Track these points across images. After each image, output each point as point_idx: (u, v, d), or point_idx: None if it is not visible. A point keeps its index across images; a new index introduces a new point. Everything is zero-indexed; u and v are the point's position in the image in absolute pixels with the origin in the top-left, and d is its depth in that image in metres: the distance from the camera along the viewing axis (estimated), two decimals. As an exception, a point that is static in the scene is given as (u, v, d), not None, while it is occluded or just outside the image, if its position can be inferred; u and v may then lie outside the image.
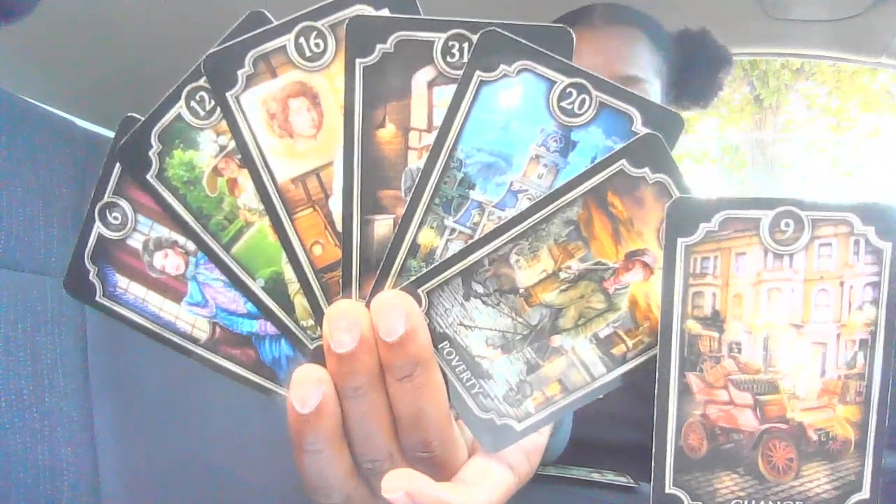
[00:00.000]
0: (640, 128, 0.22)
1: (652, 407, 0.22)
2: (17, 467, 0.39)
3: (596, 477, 0.51)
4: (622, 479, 0.51)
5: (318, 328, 0.24)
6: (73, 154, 0.48)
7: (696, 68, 0.76)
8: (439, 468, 0.23)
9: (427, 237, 0.23)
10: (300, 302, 0.24)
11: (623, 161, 0.22)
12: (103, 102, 1.32)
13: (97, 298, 0.25)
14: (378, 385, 0.21)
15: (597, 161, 0.22)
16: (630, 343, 0.23)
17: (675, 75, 0.75)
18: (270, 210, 0.24)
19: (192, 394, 0.48)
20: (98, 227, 0.25)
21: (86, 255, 0.25)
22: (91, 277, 0.25)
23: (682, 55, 0.75)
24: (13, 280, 0.42)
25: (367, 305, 0.21)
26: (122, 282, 0.25)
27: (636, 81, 0.68)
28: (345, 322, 0.21)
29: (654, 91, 0.71)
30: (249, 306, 0.24)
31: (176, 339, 0.25)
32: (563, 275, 0.23)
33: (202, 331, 0.25)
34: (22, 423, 0.39)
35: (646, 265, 0.22)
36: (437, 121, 0.22)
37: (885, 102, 6.22)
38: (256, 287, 0.24)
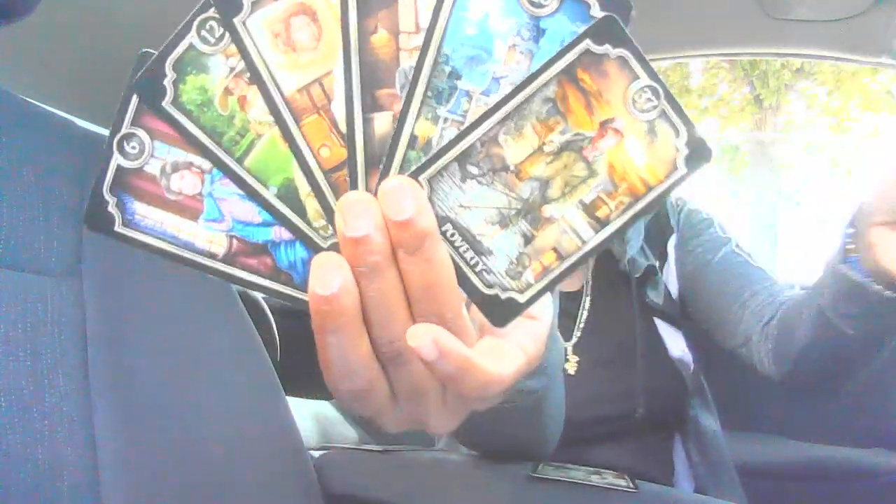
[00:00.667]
0: (597, 12, 0.25)
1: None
2: (17, 467, 0.39)
3: (595, 479, 0.51)
4: (621, 482, 0.51)
5: (330, 227, 0.26)
6: (73, 154, 0.48)
7: None
8: None
9: (423, 128, 0.25)
10: (312, 205, 0.26)
11: (587, 41, 0.25)
12: (103, 102, 1.32)
13: (116, 229, 0.26)
14: (391, 263, 0.24)
15: (565, 44, 0.25)
16: (612, 204, 0.26)
17: None
18: (279, 119, 0.26)
19: (191, 394, 0.48)
20: (116, 159, 0.26)
21: (104, 188, 0.26)
22: (110, 209, 0.26)
23: None
24: (13, 280, 0.42)
25: (375, 196, 0.24)
26: (140, 209, 0.26)
27: None
28: (357, 208, 0.23)
29: None
30: (264, 215, 0.26)
31: (195, 257, 0.26)
32: (546, 148, 0.25)
33: (220, 245, 0.26)
34: (22, 423, 0.39)
35: (616, 131, 0.25)
36: (424, 23, 0.25)
37: (885, 102, 6.22)
38: (270, 195, 0.26)
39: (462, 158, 0.25)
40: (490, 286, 0.26)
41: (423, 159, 0.25)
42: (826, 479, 1.11)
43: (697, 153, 0.25)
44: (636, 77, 0.25)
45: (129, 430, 0.44)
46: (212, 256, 0.26)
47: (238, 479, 0.48)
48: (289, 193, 0.26)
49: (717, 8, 1.07)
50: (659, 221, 0.91)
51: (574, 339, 0.83)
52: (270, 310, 1.79)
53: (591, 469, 0.53)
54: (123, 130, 0.27)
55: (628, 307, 0.84)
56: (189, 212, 0.26)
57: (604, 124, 0.25)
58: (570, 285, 0.87)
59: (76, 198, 0.47)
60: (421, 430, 0.29)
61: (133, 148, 0.26)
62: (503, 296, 0.26)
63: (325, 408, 1.37)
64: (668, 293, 0.87)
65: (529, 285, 0.26)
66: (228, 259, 0.26)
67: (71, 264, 0.45)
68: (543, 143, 0.25)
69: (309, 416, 1.31)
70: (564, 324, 0.83)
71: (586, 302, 0.86)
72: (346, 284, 0.23)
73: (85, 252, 0.46)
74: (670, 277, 0.89)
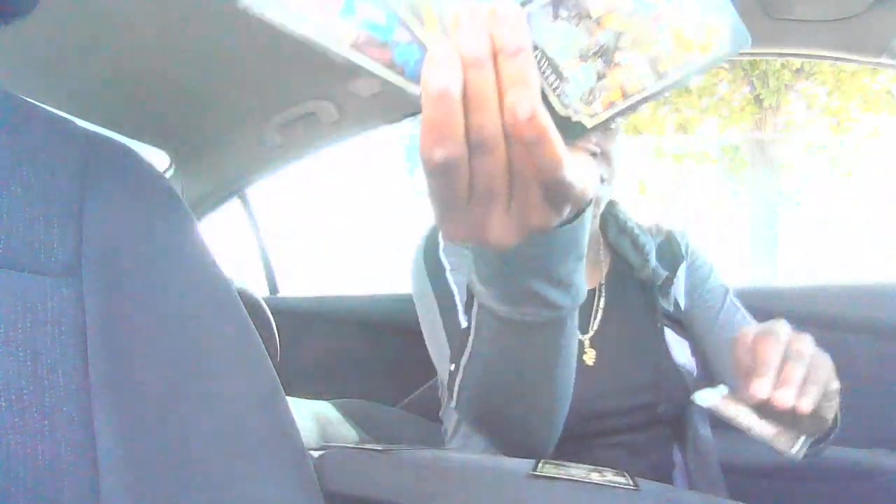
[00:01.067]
0: None
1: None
2: (18, 467, 0.39)
3: (595, 477, 0.51)
4: (621, 480, 0.51)
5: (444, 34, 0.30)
6: (73, 154, 0.48)
7: None
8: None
9: None
10: (430, 15, 0.30)
11: None
12: (103, 102, 1.32)
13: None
14: (491, 62, 0.29)
15: None
16: (669, 62, 0.31)
17: None
18: None
19: (191, 394, 0.48)
20: None
21: None
22: None
23: None
24: (13, 280, 0.42)
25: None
26: None
27: None
28: (475, 20, 0.29)
29: None
30: (389, 18, 0.29)
31: (327, 41, 0.29)
32: (622, 8, 0.30)
33: (349, 36, 0.29)
34: (22, 423, 0.40)
35: (678, 11, 0.30)
36: None
37: (885, 102, 6.22)
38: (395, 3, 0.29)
39: (556, 2, 0.30)
40: (566, 107, 0.32)
41: None
42: (825, 480, 1.11)
43: (739, 37, 0.31)
44: None
45: (129, 430, 0.44)
46: (341, 43, 0.29)
47: (238, 479, 0.48)
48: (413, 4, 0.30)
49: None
50: (671, 247, 0.95)
51: (591, 332, 0.86)
52: (270, 310, 1.79)
53: (591, 467, 0.53)
54: None
55: (641, 310, 0.88)
56: (329, 4, 0.29)
57: (671, 1, 0.30)
58: (591, 281, 0.90)
59: (76, 198, 0.47)
60: (482, 240, 0.34)
61: None
62: (574, 118, 0.32)
63: (325, 408, 1.37)
64: (677, 304, 0.91)
65: (596, 113, 0.32)
66: (357, 46, 0.29)
67: (71, 264, 0.45)
68: (620, 3, 0.30)
69: (309, 416, 1.31)
70: (580, 316, 0.85)
71: (601, 301, 0.88)
72: (453, 65, 0.28)
73: (85, 252, 0.46)
74: (679, 292, 0.93)
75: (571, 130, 0.31)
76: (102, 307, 0.46)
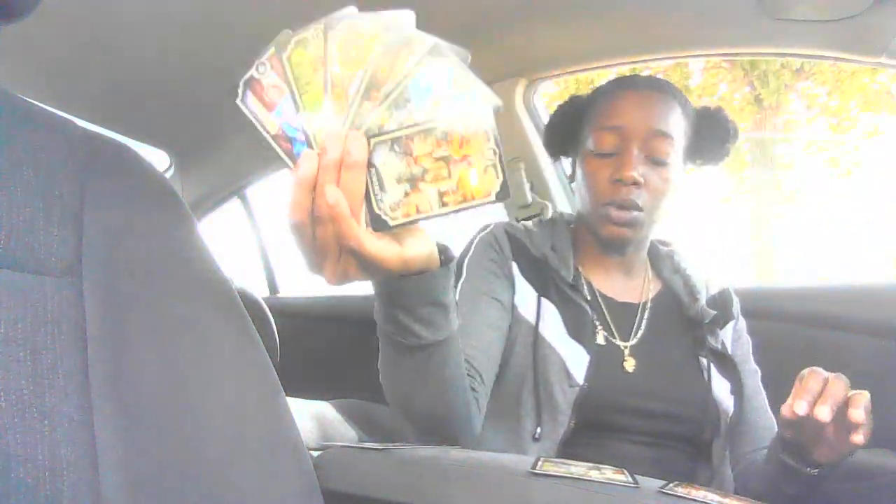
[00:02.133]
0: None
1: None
2: (17, 467, 0.39)
3: (595, 475, 0.51)
4: (621, 478, 0.51)
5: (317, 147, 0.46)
6: (73, 154, 0.48)
7: (709, 138, 0.95)
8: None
9: (382, 118, 0.45)
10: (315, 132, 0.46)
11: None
12: (103, 102, 1.32)
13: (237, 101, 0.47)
14: (336, 168, 0.45)
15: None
16: (452, 198, 0.46)
17: (694, 140, 0.93)
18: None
19: (191, 394, 0.48)
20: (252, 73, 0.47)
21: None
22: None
23: (701, 126, 0.94)
24: (13, 280, 0.42)
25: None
26: (250, 100, 0.47)
27: (666, 136, 0.87)
28: (335, 139, 0.45)
29: (678, 148, 0.89)
30: (297, 127, 0.46)
31: (261, 126, 0.47)
32: (434, 153, 0.45)
33: (274, 127, 0.47)
34: (22, 423, 0.40)
35: (469, 162, 0.45)
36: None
37: (885, 102, 6.22)
38: (304, 120, 0.46)
39: (392, 140, 0.45)
40: (380, 209, 0.46)
41: (375, 133, 0.45)
42: (825, 480, 1.11)
43: (503, 193, 0.45)
44: (490, 139, 0.44)
45: (129, 430, 0.44)
46: (269, 130, 0.46)
47: (238, 479, 0.48)
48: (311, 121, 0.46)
49: (717, 8, 1.07)
50: (725, 302, 0.99)
51: (633, 342, 0.89)
52: (270, 310, 1.79)
53: (591, 465, 0.53)
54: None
55: (686, 340, 0.92)
56: (272, 106, 0.46)
57: (465, 155, 0.45)
58: (634, 297, 0.95)
59: (76, 198, 0.47)
60: (324, 278, 0.49)
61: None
62: (383, 217, 0.46)
63: (325, 408, 1.37)
64: (724, 345, 0.94)
65: (396, 219, 0.46)
66: (275, 136, 0.46)
67: (71, 264, 0.46)
68: (432, 151, 0.45)
69: (309, 416, 1.31)
70: (624, 326, 0.91)
71: (645, 314, 0.93)
72: (313, 165, 0.45)
73: (85, 252, 0.46)
74: (727, 338, 0.96)
75: (380, 224, 0.46)
76: (102, 307, 0.46)
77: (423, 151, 0.45)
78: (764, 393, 0.96)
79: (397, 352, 0.61)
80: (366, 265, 0.48)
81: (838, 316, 1.24)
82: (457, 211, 0.45)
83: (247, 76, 0.47)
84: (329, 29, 0.45)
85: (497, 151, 0.44)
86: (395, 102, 0.45)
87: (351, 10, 0.46)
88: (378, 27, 0.45)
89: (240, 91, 0.46)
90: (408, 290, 0.55)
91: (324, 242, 0.46)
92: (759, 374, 0.98)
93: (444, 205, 0.45)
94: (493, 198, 0.45)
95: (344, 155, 0.44)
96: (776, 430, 0.94)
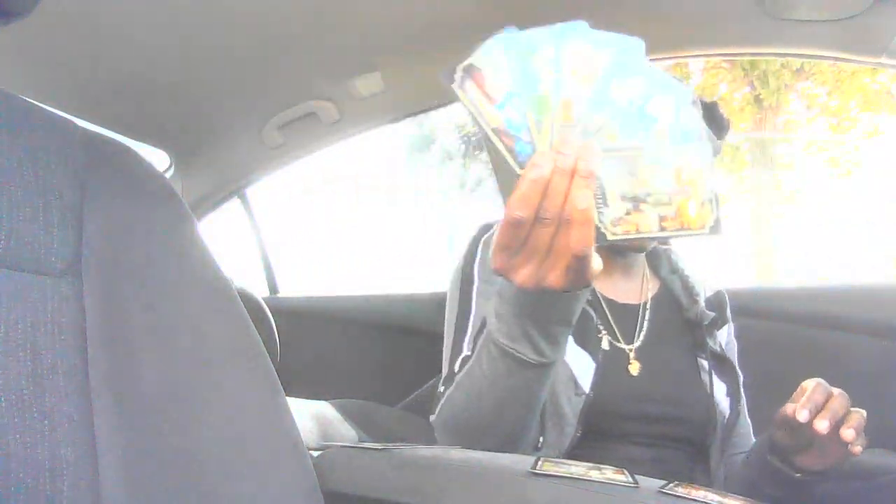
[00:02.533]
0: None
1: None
2: (17, 467, 0.39)
3: (594, 475, 0.51)
4: (620, 478, 0.51)
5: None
6: (73, 154, 0.48)
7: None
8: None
9: (611, 133, 0.47)
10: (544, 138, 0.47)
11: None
12: (103, 102, 1.32)
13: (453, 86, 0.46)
14: (570, 174, 0.46)
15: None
16: (671, 224, 0.48)
17: None
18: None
19: (191, 394, 0.48)
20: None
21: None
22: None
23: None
24: (13, 280, 0.42)
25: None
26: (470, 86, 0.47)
27: None
28: (571, 145, 0.46)
29: None
30: (523, 122, 0.47)
31: (483, 119, 0.47)
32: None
33: (496, 121, 0.47)
34: (22, 423, 0.40)
35: (688, 194, 0.47)
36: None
37: (885, 102, 6.22)
38: (531, 124, 0.47)
39: (620, 158, 0.46)
40: (600, 222, 0.47)
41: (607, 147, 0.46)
42: (825, 480, 1.11)
43: (716, 228, 0.46)
44: (709, 176, 0.47)
45: (129, 430, 0.44)
46: (490, 123, 0.46)
47: (238, 479, 0.48)
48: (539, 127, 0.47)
49: (717, 8, 1.07)
50: (720, 304, 0.99)
51: (637, 344, 0.89)
52: (270, 310, 1.79)
53: (591, 465, 0.53)
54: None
55: (686, 341, 0.92)
56: (494, 98, 0.46)
57: (686, 187, 0.46)
58: (634, 297, 0.94)
59: (76, 198, 0.47)
60: (510, 277, 0.50)
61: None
62: (603, 229, 0.47)
63: (325, 408, 1.37)
64: (721, 346, 0.94)
65: (615, 234, 0.47)
66: (496, 130, 0.46)
67: (71, 264, 0.46)
68: (657, 176, 0.46)
69: (309, 416, 1.30)
70: (626, 328, 0.92)
71: (646, 315, 0.93)
72: (550, 166, 0.45)
73: (85, 252, 0.46)
74: (723, 339, 0.97)
75: (598, 237, 0.47)
76: (102, 307, 0.46)
77: (648, 175, 0.46)
78: (744, 399, 0.96)
79: (509, 369, 0.60)
80: (577, 273, 0.48)
81: (838, 316, 1.24)
82: (672, 236, 0.47)
83: (466, 62, 0.46)
84: (561, 37, 0.45)
85: (714, 189, 0.46)
86: (623, 122, 0.46)
87: (581, 24, 0.46)
88: (610, 47, 0.46)
89: (457, 77, 0.45)
90: (556, 305, 0.56)
91: (539, 243, 0.47)
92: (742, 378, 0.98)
93: (662, 229, 0.47)
94: (706, 231, 0.46)
95: (578, 162, 0.45)
96: (751, 436, 0.95)
